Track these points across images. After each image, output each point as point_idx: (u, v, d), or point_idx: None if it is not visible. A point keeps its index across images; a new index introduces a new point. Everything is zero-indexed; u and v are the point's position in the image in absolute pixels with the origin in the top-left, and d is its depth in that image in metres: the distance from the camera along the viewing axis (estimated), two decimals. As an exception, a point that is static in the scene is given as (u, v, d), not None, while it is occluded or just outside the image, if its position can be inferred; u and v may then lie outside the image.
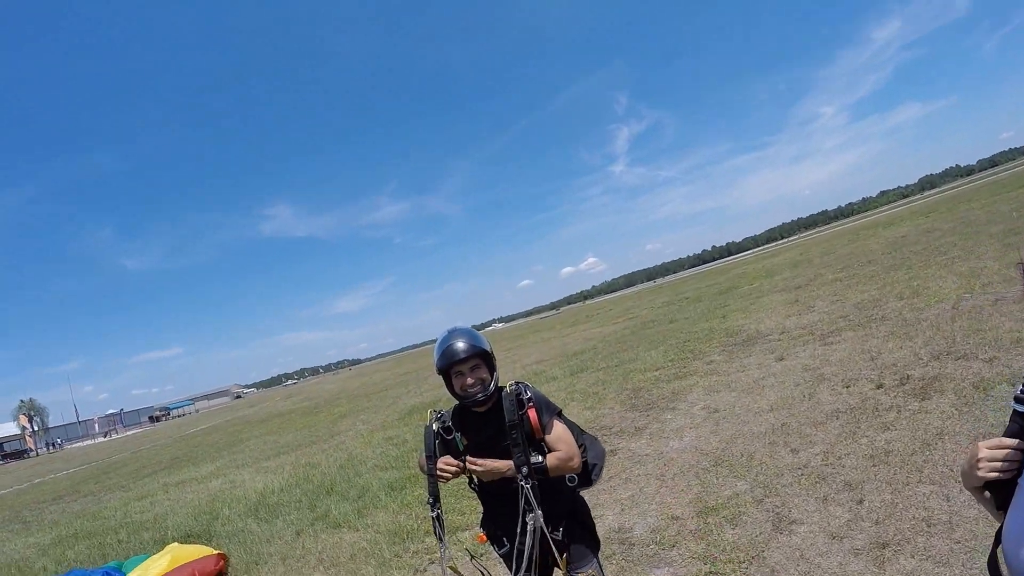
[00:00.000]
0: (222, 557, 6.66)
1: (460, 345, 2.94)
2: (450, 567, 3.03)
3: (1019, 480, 1.23)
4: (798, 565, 3.95)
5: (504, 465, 2.86)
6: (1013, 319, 8.03)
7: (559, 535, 2.95)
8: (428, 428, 3.05)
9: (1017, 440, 1.26)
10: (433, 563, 5.55)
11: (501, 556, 3.15)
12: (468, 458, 2.90)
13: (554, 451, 2.96)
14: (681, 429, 7.60)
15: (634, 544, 4.83)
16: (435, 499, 2.99)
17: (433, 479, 2.97)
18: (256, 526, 8.42)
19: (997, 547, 1.29)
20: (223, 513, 9.69)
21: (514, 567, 2.88)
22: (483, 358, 2.99)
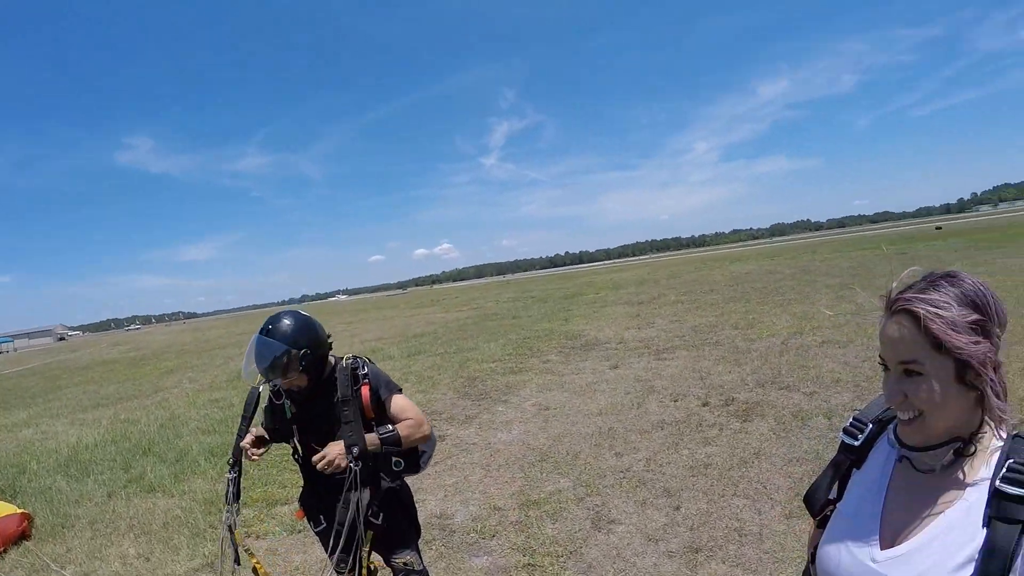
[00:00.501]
0: (26, 517, 6.10)
1: (261, 367, 2.75)
2: (229, 527, 2.94)
3: (838, 505, 1.33)
4: (614, 563, 4.07)
5: (340, 456, 2.73)
6: (835, 361, 8.79)
7: (380, 520, 2.88)
8: (254, 389, 2.92)
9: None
10: (248, 536, 5.27)
11: (317, 534, 3.07)
12: (316, 457, 2.76)
13: (403, 421, 2.89)
14: (511, 422, 7.68)
15: (455, 531, 4.81)
16: (236, 461, 2.93)
17: (239, 441, 2.88)
18: (66, 484, 7.71)
19: (811, 563, 1.37)
20: (31, 467, 8.81)
21: (330, 548, 2.80)
22: (293, 368, 2.78)
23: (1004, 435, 1.17)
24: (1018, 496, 1.05)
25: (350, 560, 2.81)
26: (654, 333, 13.58)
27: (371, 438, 2.80)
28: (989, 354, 1.12)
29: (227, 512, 2.94)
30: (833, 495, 1.39)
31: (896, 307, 1.17)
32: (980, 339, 1.12)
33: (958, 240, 36.27)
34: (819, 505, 1.39)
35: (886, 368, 1.20)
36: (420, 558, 3.06)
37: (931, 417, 1.14)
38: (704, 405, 7.50)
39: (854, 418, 1.41)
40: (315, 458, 2.73)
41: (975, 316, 1.12)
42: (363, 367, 2.91)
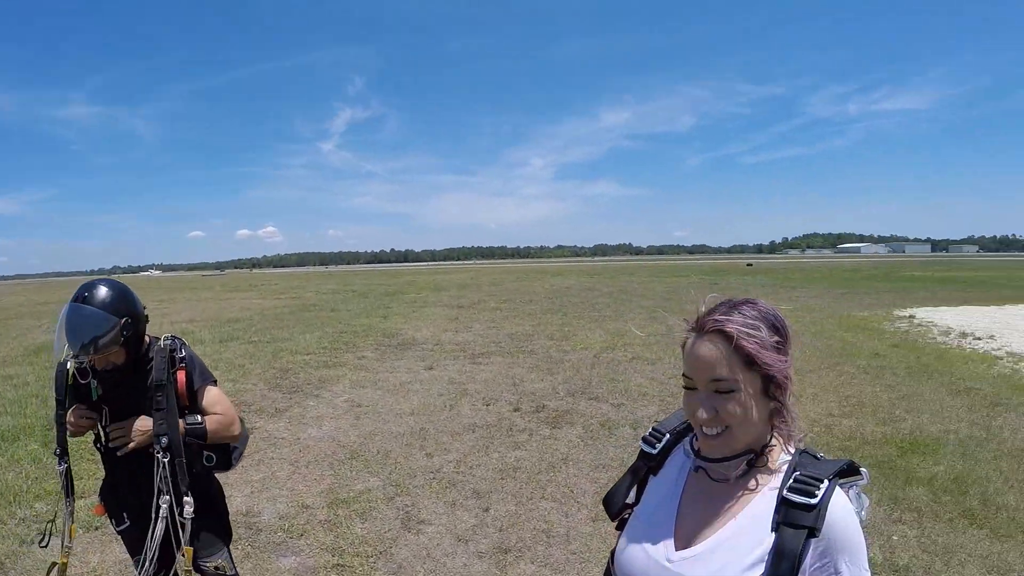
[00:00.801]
0: None
1: (77, 340, 2.42)
2: (72, 527, 2.69)
3: (636, 509, 1.40)
4: (424, 563, 4.05)
5: (141, 435, 2.51)
6: (644, 376, 9.34)
7: (189, 519, 2.62)
8: (61, 367, 2.59)
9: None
10: (41, 535, 4.67)
11: (120, 533, 2.78)
12: (113, 425, 2.52)
13: (212, 415, 2.69)
14: (322, 418, 7.47)
15: (262, 530, 4.56)
16: (63, 451, 2.66)
17: (63, 428, 2.58)
18: None
19: (611, 563, 1.42)
20: None
21: (134, 548, 2.56)
22: (113, 342, 2.49)
23: (792, 450, 1.28)
24: (803, 504, 1.15)
25: (152, 562, 2.53)
26: (471, 337, 13.76)
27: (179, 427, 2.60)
28: (788, 371, 1.23)
29: (67, 505, 2.70)
30: (631, 500, 1.45)
31: (708, 328, 1.23)
32: (782, 357, 1.23)
33: (766, 277, 39.88)
34: (617, 508, 1.45)
35: (692, 388, 1.25)
36: (232, 562, 2.87)
37: (738, 431, 1.21)
38: (516, 410, 7.67)
39: (653, 428, 1.48)
40: (112, 426, 2.50)
41: (776, 337, 1.23)
42: (181, 349, 2.67)
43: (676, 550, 1.25)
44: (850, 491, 1.23)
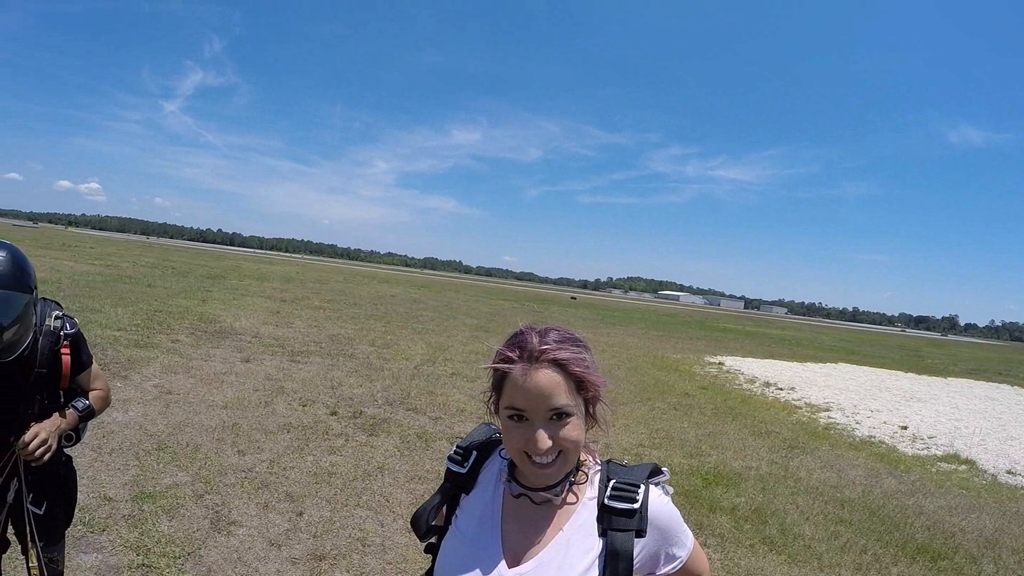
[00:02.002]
0: None
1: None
2: None
3: (454, 529, 1.38)
4: (235, 567, 3.83)
5: (54, 434, 2.18)
6: (463, 392, 9.44)
7: (43, 509, 2.33)
8: None
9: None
10: None
11: None
12: (33, 433, 2.12)
13: (94, 390, 2.43)
14: (129, 402, 6.87)
15: None
16: None
17: None
18: None
19: None
20: None
21: None
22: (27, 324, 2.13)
23: (599, 460, 1.37)
24: (625, 510, 1.24)
25: None
26: (292, 334, 13.29)
27: (71, 416, 2.29)
28: (603, 389, 1.29)
29: None
30: (438, 523, 1.43)
31: (542, 358, 1.21)
32: (603, 378, 1.29)
33: (588, 312, 41.63)
34: (424, 529, 1.41)
35: (522, 418, 1.22)
36: (63, 554, 2.55)
37: (572, 455, 1.23)
38: (333, 414, 7.49)
39: (457, 446, 1.46)
40: (27, 438, 2.09)
41: (591, 357, 1.28)
42: (67, 325, 2.30)
43: (508, 567, 1.25)
44: (659, 486, 1.33)
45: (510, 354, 1.25)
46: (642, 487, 1.27)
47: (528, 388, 1.20)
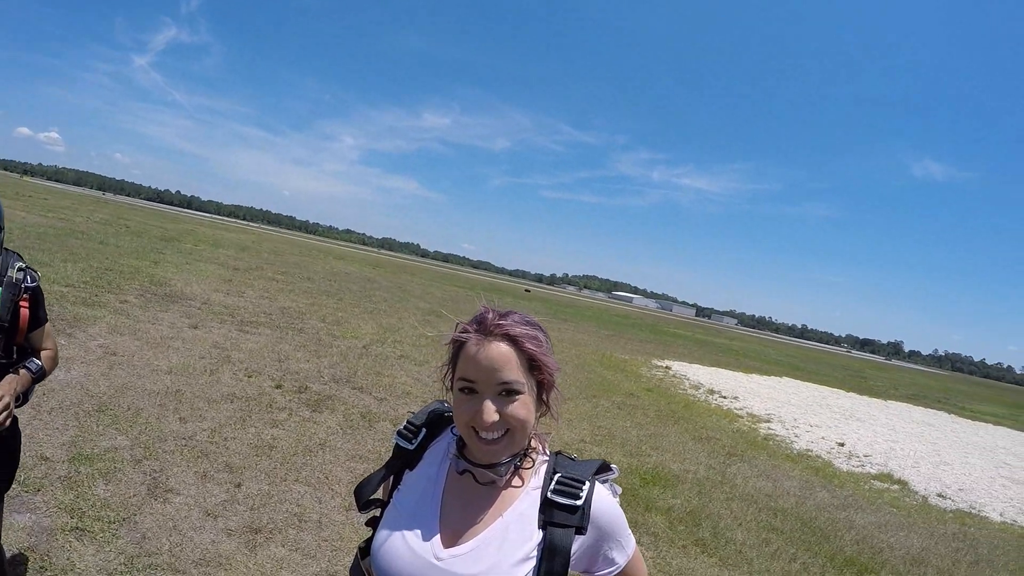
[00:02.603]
0: None
1: None
2: None
3: (394, 504, 1.39)
4: (170, 536, 3.79)
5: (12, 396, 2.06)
6: (409, 375, 9.43)
7: None
8: None
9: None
10: None
11: None
12: None
13: (45, 350, 2.32)
14: (72, 360, 6.69)
15: None
16: None
17: None
18: None
19: (365, 558, 1.42)
20: None
21: None
22: None
23: (548, 451, 1.39)
24: (567, 505, 1.26)
25: None
26: (243, 303, 13.05)
27: (24, 377, 2.17)
28: (556, 376, 1.33)
29: None
30: (382, 495, 1.46)
31: (496, 331, 1.25)
32: (556, 363, 1.33)
33: (541, 306, 41.62)
34: (365, 499, 1.43)
35: (471, 391, 1.24)
36: (0, 517, 2.42)
37: (518, 434, 1.25)
38: (278, 387, 7.43)
39: (408, 422, 1.47)
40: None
41: (548, 343, 1.33)
42: (29, 277, 2.21)
43: (444, 548, 1.26)
44: (606, 484, 1.35)
45: (468, 327, 1.29)
46: (587, 484, 1.28)
47: (480, 359, 1.23)
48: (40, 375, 2.27)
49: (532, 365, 1.27)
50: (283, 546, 3.98)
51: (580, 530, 1.26)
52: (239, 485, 4.68)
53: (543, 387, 1.31)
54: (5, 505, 3.64)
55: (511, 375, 1.23)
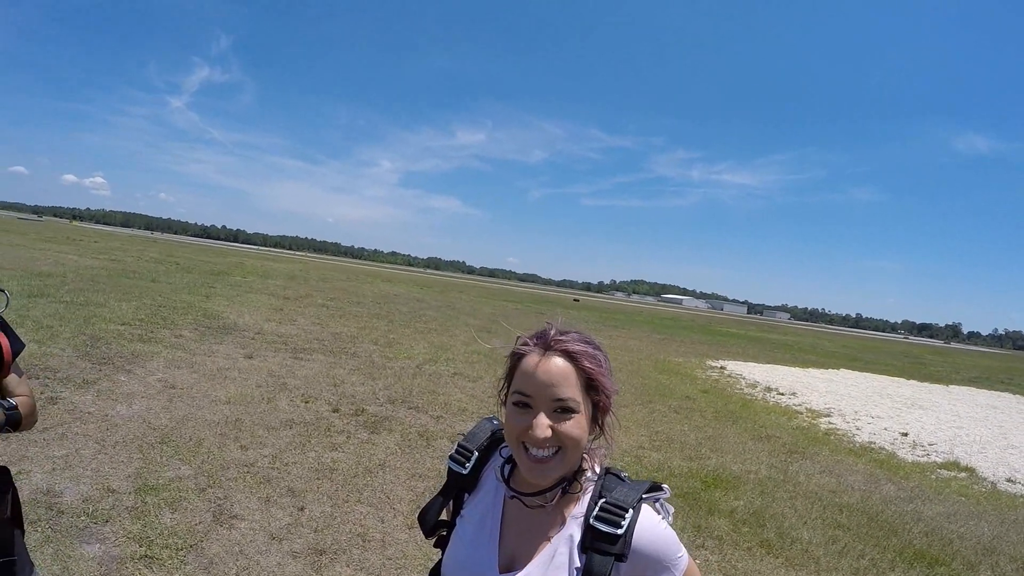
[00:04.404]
0: None
1: None
2: None
3: (457, 530, 1.39)
4: (237, 560, 3.84)
5: None
6: (464, 392, 9.45)
7: None
8: None
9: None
10: None
11: None
12: None
13: (19, 396, 1.99)
14: (133, 395, 6.88)
15: (64, 512, 4.09)
16: None
17: None
18: None
19: None
20: None
21: None
22: None
23: (598, 469, 1.34)
24: (609, 534, 1.21)
25: None
26: (295, 331, 13.29)
27: None
28: (613, 399, 1.31)
29: None
30: (445, 518, 1.44)
31: (555, 347, 1.24)
32: (615, 385, 1.30)
33: (590, 314, 41.57)
34: (431, 526, 1.42)
35: (526, 405, 1.23)
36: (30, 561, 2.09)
37: (571, 453, 1.23)
38: (335, 411, 7.49)
39: (459, 445, 1.45)
40: None
41: (608, 364, 1.30)
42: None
43: (501, 573, 1.26)
44: (656, 503, 1.30)
45: (528, 341, 1.29)
46: (630, 512, 1.23)
47: (537, 374, 1.22)
48: (14, 416, 1.90)
49: (590, 385, 1.25)
50: (348, 566, 3.99)
51: (620, 558, 1.22)
52: (302, 508, 4.71)
53: (599, 409, 1.29)
54: (75, 536, 3.74)
55: (567, 392, 1.22)
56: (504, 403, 1.31)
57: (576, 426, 1.22)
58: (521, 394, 1.23)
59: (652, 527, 1.25)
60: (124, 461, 5.08)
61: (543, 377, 1.21)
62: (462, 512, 1.40)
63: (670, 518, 1.33)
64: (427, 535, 1.44)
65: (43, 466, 4.72)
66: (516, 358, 1.29)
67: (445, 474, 1.45)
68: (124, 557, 3.68)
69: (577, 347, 1.24)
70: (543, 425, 1.20)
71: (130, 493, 4.51)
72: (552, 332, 1.27)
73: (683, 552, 1.30)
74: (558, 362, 1.23)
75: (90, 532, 3.89)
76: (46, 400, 6.18)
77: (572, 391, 1.22)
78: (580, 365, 1.23)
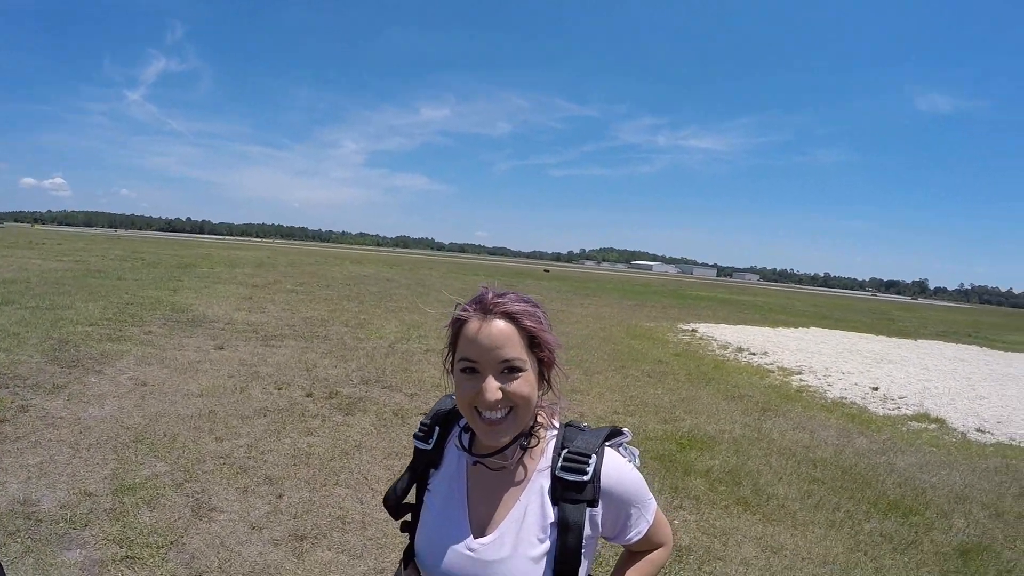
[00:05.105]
0: None
1: None
2: None
3: (427, 504, 1.43)
4: (218, 552, 3.87)
5: None
6: (438, 369, 9.25)
7: None
8: None
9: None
10: None
11: None
12: None
13: None
14: (104, 396, 6.82)
15: (42, 520, 4.06)
16: None
17: None
18: None
19: (407, 567, 1.46)
20: None
21: None
22: None
23: (557, 424, 1.40)
24: (576, 482, 1.27)
25: None
26: (265, 319, 13.19)
27: None
28: (556, 353, 1.35)
29: None
30: (412, 499, 1.47)
31: (495, 310, 1.26)
32: (556, 339, 1.34)
33: (561, 284, 41.54)
34: (395, 507, 1.46)
35: (474, 371, 1.26)
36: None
37: (522, 411, 1.26)
38: (308, 396, 7.51)
39: (421, 423, 1.50)
40: None
41: (547, 320, 1.34)
42: None
43: (475, 539, 1.30)
44: (620, 448, 1.38)
45: (468, 307, 1.31)
46: (593, 457, 1.28)
47: (480, 338, 1.25)
48: None
49: (533, 343, 1.28)
50: (329, 550, 4.04)
51: (592, 503, 1.28)
52: (280, 496, 4.75)
53: (544, 364, 1.33)
54: (55, 543, 3.76)
55: (512, 352, 1.24)
56: (451, 371, 1.34)
57: (525, 384, 1.25)
58: (467, 360, 1.26)
59: (617, 469, 1.31)
60: (99, 463, 5.06)
61: (486, 341, 1.24)
62: (428, 487, 1.44)
63: (637, 460, 1.40)
64: (395, 517, 1.48)
65: (18, 476, 4.69)
66: (457, 325, 1.32)
67: (412, 454, 1.49)
68: (105, 560, 3.68)
69: (516, 307, 1.27)
70: (493, 388, 1.22)
71: (107, 495, 4.50)
72: (490, 296, 1.30)
73: (651, 497, 1.37)
74: (499, 324, 1.25)
75: (70, 538, 3.89)
76: (16, 409, 6.11)
77: (517, 351, 1.24)
78: (521, 324, 1.26)
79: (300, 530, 4.25)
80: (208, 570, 3.70)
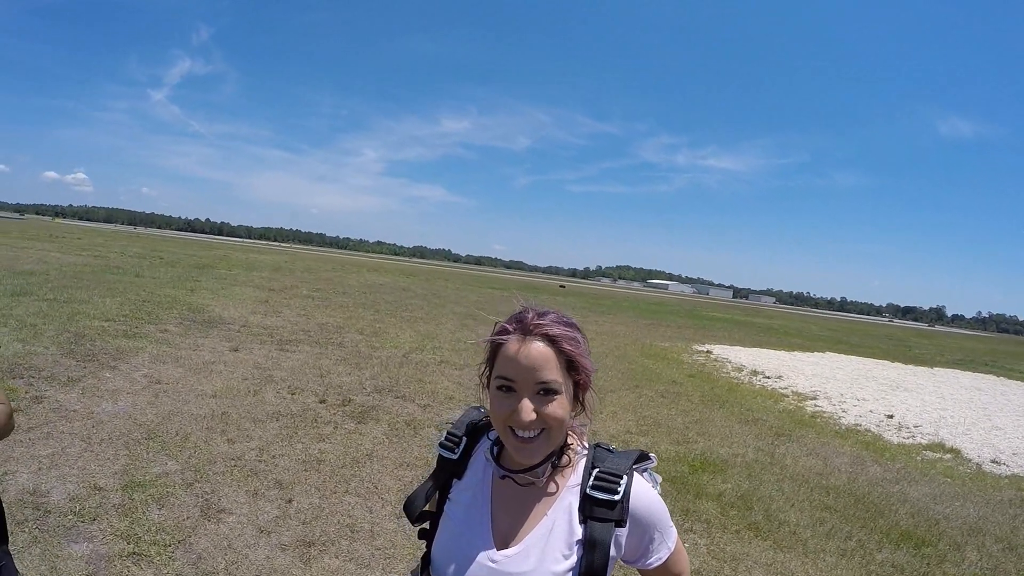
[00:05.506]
0: None
1: None
2: None
3: (447, 514, 1.40)
4: (225, 554, 3.82)
5: None
6: (451, 380, 9.45)
7: None
8: None
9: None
10: None
11: None
12: None
13: None
14: (118, 392, 6.82)
15: (50, 511, 4.04)
16: None
17: None
18: None
19: (425, 570, 1.42)
20: None
21: None
22: None
23: (586, 444, 1.38)
24: (607, 501, 1.26)
25: None
26: (280, 323, 13.24)
27: None
28: (592, 377, 1.32)
29: None
30: (432, 507, 1.45)
31: (535, 331, 1.25)
32: (593, 363, 1.32)
33: (577, 300, 41.65)
34: (417, 514, 1.43)
35: (510, 389, 1.24)
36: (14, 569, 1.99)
37: (555, 433, 1.25)
38: (321, 402, 7.48)
39: (448, 432, 1.49)
40: None
41: (586, 344, 1.32)
42: None
43: (497, 550, 1.28)
44: (644, 473, 1.35)
45: (507, 326, 1.29)
46: (625, 478, 1.28)
47: (519, 359, 1.23)
48: None
49: (570, 366, 1.27)
50: (337, 557, 3.99)
51: (620, 523, 1.27)
52: (290, 500, 4.71)
53: (579, 388, 1.31)
54: (62, 535, 3.72)
55: (550, 375, 1.23)
56: (486, 387, 1.33)
57: (559, 407, 1.23)
58: (504, 378, 1.25)
59: (646, 492, 1.31)
60: (110, 458, 5.04)
61: (525, 362, 1.23)
62: (450, 496, 1.42)
63: (658, 487, 1.38)
64: (413, 522, 1.45)
65: (29, 466, 4.68)
66: (496, 343, 1.30)
67: (434, 463, 1.46)
68: (112, 555, 3.65)
69: (556, 330, 1.25)
70: (528, 409, 1.21)
71: (117, 490, 4.48)
72: (530, 316, 1.28)
73: (673, 525, 1.36)
74: (539, 346, 1.24)
75: (77, 531, 3.86)
76: (31, 399, 6.13)
77: (554, 373, 1.23)
78: (560, 348, 1.25)
79: (308, 536, 4.20)
80: (215, 571, 3.65)
